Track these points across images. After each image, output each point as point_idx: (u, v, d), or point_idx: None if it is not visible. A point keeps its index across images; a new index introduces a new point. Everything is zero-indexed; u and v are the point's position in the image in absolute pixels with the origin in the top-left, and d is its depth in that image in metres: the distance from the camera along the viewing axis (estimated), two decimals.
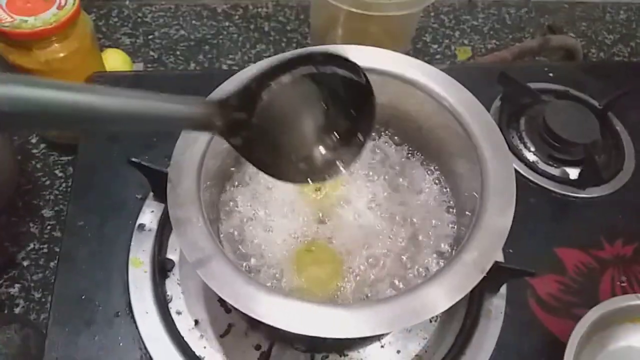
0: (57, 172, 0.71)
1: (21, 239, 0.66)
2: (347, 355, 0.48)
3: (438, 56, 0.88)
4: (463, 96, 0.45)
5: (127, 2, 0.91)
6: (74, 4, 0.63)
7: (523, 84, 0.64)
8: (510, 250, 0.53)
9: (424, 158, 0.50)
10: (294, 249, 0.44)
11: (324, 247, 0.45)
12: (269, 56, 0.45)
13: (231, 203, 0.48)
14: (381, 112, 0.50)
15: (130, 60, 0.81)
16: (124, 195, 0.56)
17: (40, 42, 0.65)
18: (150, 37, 0.88)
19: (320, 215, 0.46)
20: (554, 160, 0.61)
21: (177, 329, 0.48)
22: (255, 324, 0.48)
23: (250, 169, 0.49)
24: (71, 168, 0.71)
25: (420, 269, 0.44)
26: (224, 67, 0.85)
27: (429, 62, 0.48)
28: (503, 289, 0.51)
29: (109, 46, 0.83)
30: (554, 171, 0.61)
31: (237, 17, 0.91)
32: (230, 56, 0.86)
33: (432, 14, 0.94)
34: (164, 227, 0.53)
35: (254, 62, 0.47)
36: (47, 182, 0.70)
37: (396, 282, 0.43)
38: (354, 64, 0.33)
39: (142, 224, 0.54)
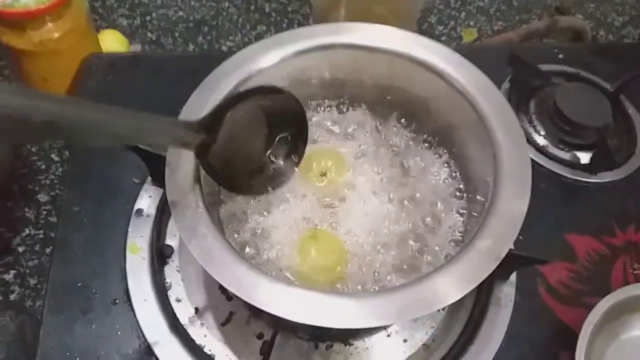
0: (53, 156, 0.70)
1: (16, 224, 0.64)
2: (352, 344, 0.47)
3: (443, 38, 0.86)
4: (475, 77, 0.43)
5: None
6: None
7: (533, 65, 0.62)
8: (520, 237, 0.51)
9: (433, 141, 0.48)
10: (297, 236, 0.43)
11: (327, 234, 0.43)
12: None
13: None
14: (387, 93, 0.49)
15: (127, 42, 0.79)
16: (121, 179, 0.54)
17: (34, 22, 0.63)
18: (148, 18, 0.86)
19: (326, 201, 0.45)
20: (565, 144, 0.59)
21: (176, 317, 0.47)
22: (257, 312, 0.47)
23: None
24: (67, 152, 0.69)
25: (429, 257, 0.42)
26: (224, 48, 0.83)
27: None
28: (513, 277, 0.49)
29: (106, 27, 0.81)
30: (565, 155, 0.59)
31: None
32: (230, 38, 0.84)
33: None
34: (163, 212, 0.51)
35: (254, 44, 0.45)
36: (43, 167, 0.69)
37: (404, 268, 0.41)
38: (290, 94, 0.41)
39: (139, 209, 0.52)
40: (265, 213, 0.44)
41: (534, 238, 0.52)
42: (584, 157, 0.59)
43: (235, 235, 0.43)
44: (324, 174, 0.46)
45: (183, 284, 0.49)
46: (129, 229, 0.51)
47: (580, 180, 0.58)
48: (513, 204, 0.37)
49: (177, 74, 0.62)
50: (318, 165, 0.46)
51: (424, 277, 0.35)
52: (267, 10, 0.88)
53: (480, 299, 0.48)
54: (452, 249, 0.43)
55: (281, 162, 0.44)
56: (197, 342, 0.46)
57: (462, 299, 0.34)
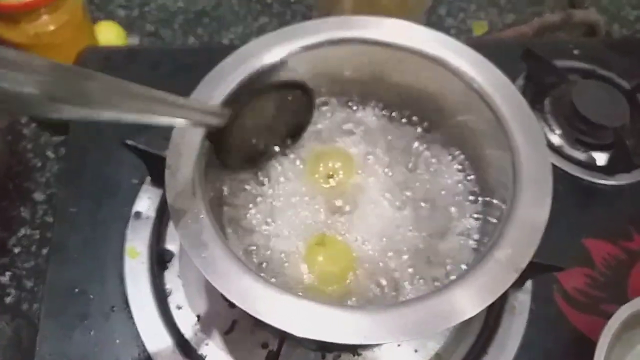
0: (49, 153, 0.67)
1: (12, 224, 0.62)
2: (361, 354, 0.45)
3: (453, 30, 0.83)
4: (493, 75, 0.41)
5: None
6: None
7: (549, 61, 0.59)
8: None
9: (445, 141, 0.46)
10: (303, 242, 0.41)
11: (335, 240, 0.41)
12: (272, 30, 0.42)
13: (236, 190, 0.44)
14: (398, 91, 0.46)
15: (124, 34, 0.77)
16: (119, 179, 0.52)
17: (29, 15, 0.61)
18: (146, 9, 0.83)
19: (333, 204, 0.42)
20: (581, 145, 0.57)
21: (177, 325, 0.45)
22: (262, 321, 0.45)
23: None
24: (64, 149, 0.67)
25: (444, 264, 0.40)
26: (225, 41, 0.80)
27: None
28: (528, 284, 0.47)
29: (102, 18, 0.78)
30: (581, 156, 0.57)
31: None
32: (232, 29, 0.82)
33: None
34: (162, 214, 0.49)
35: (256, 36, 0.43)
36: (39, 164, 0.67)
37: (417, 278, 0.39)
38: (306, 86, 0.42)
39: (138, 211, 0.50)
40: (269, 219, 0.42)
41: (549, 243, 0.48)
42: (601, 158, 0.57)
43: (239, 242, 0.41)
44: (331, 176, 0.44)
45: (184, 290, 0.47)
46: (128, 232, 0.49)
47: (596, 182, 0.55)
48: (533, 211, 0.35)
49: (177, 68, 0.60)
50: (325, 167, 0.44)
51: (440, 289, 0.33)
52: (269, 1, 0.85)
53: (494, 307, 0.46)
54: (467, 255, 0.41)
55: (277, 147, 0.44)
56: (199, 351, 0.44)
57: None
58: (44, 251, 0.60)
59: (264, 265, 0.40)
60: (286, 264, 0.40)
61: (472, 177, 0.44)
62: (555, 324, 0.47)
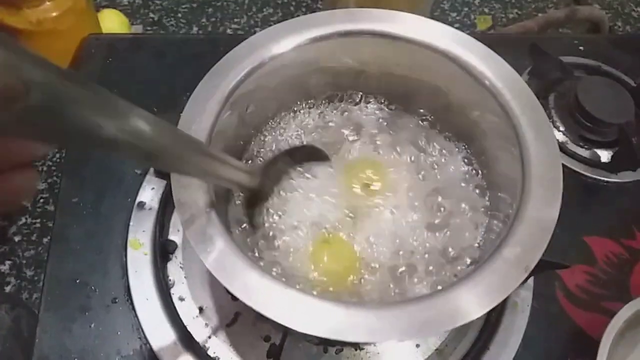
0: None
1: (12, 213, 0.62)
2: (363, 348, 0.45)
3: (457, 25, 0.83)
4: (503, 71, 0.40)
5: None
6: None
7: (555, 57, 0.59)
8: None
9: (453, 137, 0.45)
10: (310, 239, 0.40)
11: (340, 239, 0.41)
12: (277, 20, 0.42)
13: None
14: (405, 85, 0.46)
15: (128, 22, 0.76)
16: (122, 169, 0.52)
17: (31, 0, 0.60)
18: None
19: (341, 203, 0.42)
20: (585, 141, 0.57)
21: (179, 316, 0.45)
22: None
23: (265, 147, 0.45)
24: None
25: (453, 258, 0.40)
26: (229, 31, 0.80)
27: None
28: (530, 281, 0.47)
29: (106, 6, 0.77)
30: (584, 153, 0.56)
31: None
32: (236, 20, 0.81)
33: None
34: (166, 205, 0.49)
35: (260, 27, 0.43)
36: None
37: (424, 276, 0.39)
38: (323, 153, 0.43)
39: (141, 202, 0.49)
40: (276, 212, 0.41)
41: (551, 239, 0.49)
42: (605, 155, 0.57)
43: (244, 235, 0.40)
44: (367, 185, 0.43)
45: (187, 282, 0.47)
46: (130, 223, 0.48)
47: (600, 180, 0.55)
48: (543, 209, 0.35)
49: (182, 57, 0.60)
50: (362, 175, 0.44)
51: (447, 288, 0.33)
52: None
53: None
54: (475, 253, 0.40)
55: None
56: (201, 343, 0.44)
57: None
58: (45, 240, 0.60)
59: (269, 259, 0.40)
60: (291, 259, 0.39)
61: (479, 172, 0.44)
62: (556, 321, 0.48)
